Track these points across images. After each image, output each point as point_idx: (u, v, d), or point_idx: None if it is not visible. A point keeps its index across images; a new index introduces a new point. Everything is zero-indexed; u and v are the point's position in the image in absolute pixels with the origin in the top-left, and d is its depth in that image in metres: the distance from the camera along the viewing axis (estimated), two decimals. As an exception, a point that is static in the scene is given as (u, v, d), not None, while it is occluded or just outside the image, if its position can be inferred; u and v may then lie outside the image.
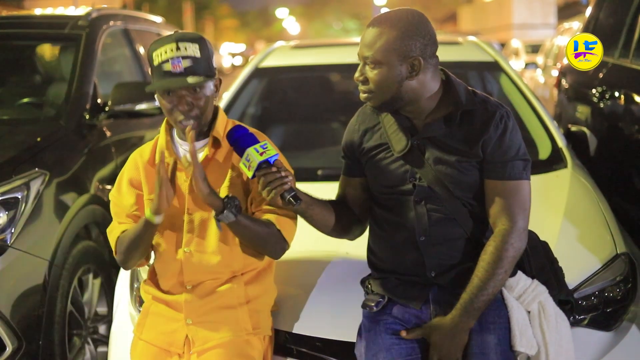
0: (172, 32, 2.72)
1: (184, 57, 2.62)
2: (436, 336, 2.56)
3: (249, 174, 2.57)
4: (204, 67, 2.66)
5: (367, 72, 2.61)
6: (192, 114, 2.69)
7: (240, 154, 2.59)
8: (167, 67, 2.61)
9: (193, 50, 2.64)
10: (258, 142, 2.59)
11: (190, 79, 2.60)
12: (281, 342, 2.98)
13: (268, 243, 2.76)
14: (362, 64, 2.63)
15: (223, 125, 2.83)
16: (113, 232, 2.88)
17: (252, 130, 2.71)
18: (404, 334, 2.62)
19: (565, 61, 7.22)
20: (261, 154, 2.55)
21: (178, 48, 2.62)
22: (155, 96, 2.73)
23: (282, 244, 2.79)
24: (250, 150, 2.56)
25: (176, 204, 2.80)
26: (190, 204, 2.79)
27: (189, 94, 2.66)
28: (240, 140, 2.60)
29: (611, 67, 5.54)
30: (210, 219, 2.77)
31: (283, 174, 2.54)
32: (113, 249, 2.89)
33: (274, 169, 2.54)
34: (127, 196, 2.87)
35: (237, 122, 2.89)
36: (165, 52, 2.62)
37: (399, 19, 2.58)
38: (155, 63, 2.65)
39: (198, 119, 2.71)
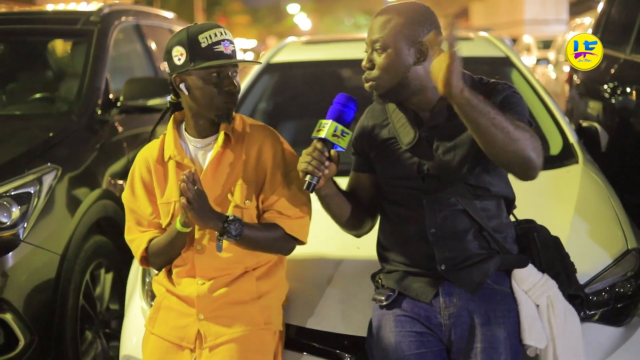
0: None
1: (230, 41, 2.73)
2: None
3: (313, 134, 2.59)
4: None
5: (374, 57, 2.62)
6: (237, 94, 2.75)
7: (328, 116, 2.60)
8: (220, 48, 2.70)
9: (232, 38, 2.76)
10: (348, 125, 2.60)
11: (247, 59, 2.71)
12: (292, 337, 2.98)
13: (274, 247, 2.82)
14: (370, 50, 2.64)
15: (234, 120, 2.85)
16: (137, 241, 2.89)
17: None
18: None
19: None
20: (333, 135, 2.56)
21: (222, 33, 2.72)
22: (189, 84, 2.74)
23: (290, 244, 2.83)
24: (332, 124, 2.57)
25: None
26: None
27: (234, 77, 2.74)
28: (336, 110, 2.62)
29: (623, 63, 5.53)
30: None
31: (327, 163, 2.56)
32: (137, 257, 2.91)
33: (326, 154, 2.56)
34: (143, 203, 2.88)
35: (245, 117, 2.92)
36: (215, 35, 2.71)
37: (407, 7, 2.63)
38: (204, 45, 2.69)
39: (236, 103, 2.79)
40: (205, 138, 2.84)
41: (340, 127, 2.57)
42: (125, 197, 2.93)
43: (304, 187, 2.58)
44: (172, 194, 2.82)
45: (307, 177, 2.57)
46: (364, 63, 2.65)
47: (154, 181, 2.87)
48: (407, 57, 2.59)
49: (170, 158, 2.84)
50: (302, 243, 2.87)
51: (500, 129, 2.35)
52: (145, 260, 2.90)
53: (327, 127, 2.56)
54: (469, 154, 2.62)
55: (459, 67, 2.30)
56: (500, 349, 2.55)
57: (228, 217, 2.65)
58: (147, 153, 2.91)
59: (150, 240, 2.86)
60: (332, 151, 2.58)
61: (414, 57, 2.59)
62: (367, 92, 2.71)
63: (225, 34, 2.72)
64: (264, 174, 2.81)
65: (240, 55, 2.82)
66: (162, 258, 2.86)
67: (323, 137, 2.56)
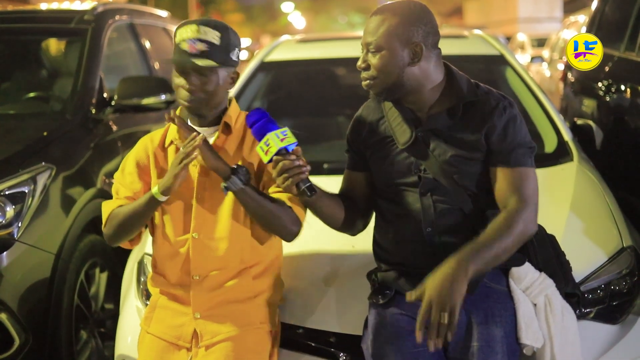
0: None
1: (201, 40, 2.65)
2: (430, 283, 2.43)
3: (265, 159, 2.57)
4: (220, 55, 2.68)
5: (369, 58, 2.63)
6: (195, 95, 2.69)
7: (259, 137, 2.58)
8: (184, 46, 2.65)
9: (213, 36, 2.67)
10: (278, 127, 2.59)
11: (199, 61, 2.63)
12: (288, 336, 2.98)
13: (281, 219, 2.70)
14: (365, 51, 2.65)
15: (236, 113, 2.84)
16: (108, 205, 2.87)
17: None
18: (408, 297, 2.49)
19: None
20: (281, 140, 2.54)
21: (198, 31, 2.66)
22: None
23: (295, 223, 2.73)
24: (271, 135, 2.55)
25: (185, 188, 2.77)
26: (200, 188, 2.78)
27: (198, 76, 2.68)
28: (260, 124, 2.60)
29: (617, 61, 5.54)
30: (220, 204, 2.77)
31: (301, 162, 2.54)
32: (103, 222, 2.87)
33: (292, 157, 2.54)
34: (130, 177, 2.86)
35: None
36: (187, 32, 2.66)
37: (402, 7, 2.62)
38: (176, 41, 2.69)
39: (199, 103, 2.71)
40: (207, 127, 2.82)
41: (277, 132, 2.56)
42: (115, 175, 2.92)
43: (309, 195, 2.57)
44: None
45: (301, 186, 2.56)
46: (359, 63, 2.65)
47: (151, 164, 2.85)
48: (402, 58, 2.59)
49: (171, 143, 2.84)
50: (299, 227, 2.78)
51: (507, 254, 2.56)
52: None
53: (272, 141, 2.55)
54: (465, 156, 2.62)
55: None
56: (496, 347, 2.55)
57: (236, 164, 2.67)
58: (147, 140, 2.91)
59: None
60: (296, 149, 2.57)
61: (408, 57, 2.59)
62: (361, 91, 2.71)
63: (199, 32, 2.66)
64: (264, 166, 2.79)
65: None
66: (120, 228, 2.81)
67: (277, 150, 2.55)
